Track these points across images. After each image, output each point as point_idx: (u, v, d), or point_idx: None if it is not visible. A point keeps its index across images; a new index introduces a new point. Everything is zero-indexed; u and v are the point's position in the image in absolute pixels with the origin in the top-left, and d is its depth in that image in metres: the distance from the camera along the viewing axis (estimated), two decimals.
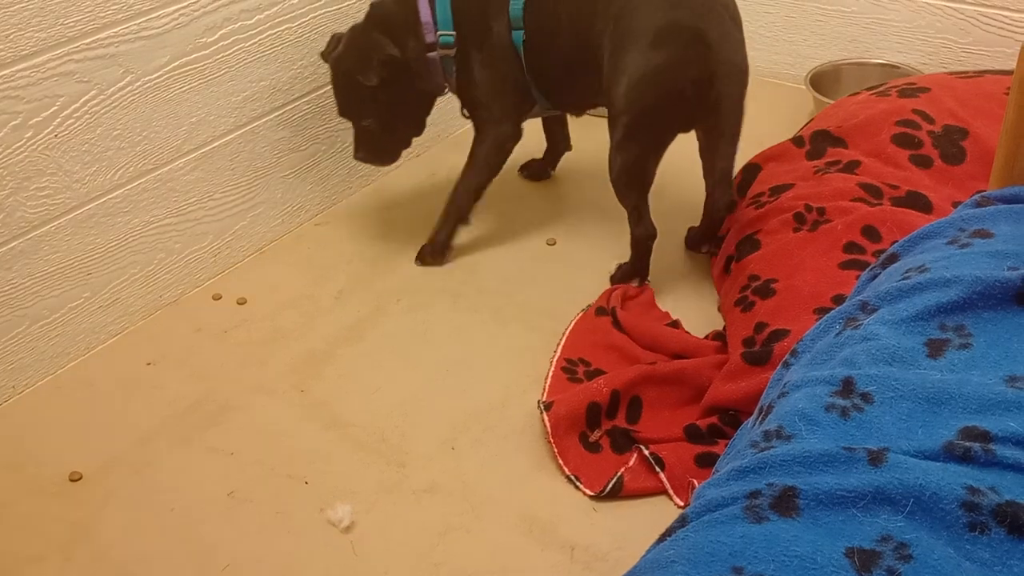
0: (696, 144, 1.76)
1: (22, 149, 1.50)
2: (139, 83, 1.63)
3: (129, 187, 1.68)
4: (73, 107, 1.55)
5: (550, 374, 1.58)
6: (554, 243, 1.92)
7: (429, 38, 1.68)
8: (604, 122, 2.36)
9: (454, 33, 1.67)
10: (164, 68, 1.66)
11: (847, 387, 0.83)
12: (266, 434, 1.53)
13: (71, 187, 1.59)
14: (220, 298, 1.83)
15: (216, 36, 1.72)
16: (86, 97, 1.56)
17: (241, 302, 1.82)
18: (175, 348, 1.71)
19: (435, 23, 1.67)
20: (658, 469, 1.39)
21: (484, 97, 1.74)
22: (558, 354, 1.62)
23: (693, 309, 1.71)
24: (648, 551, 0.79)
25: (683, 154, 2.21)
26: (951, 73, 1.92)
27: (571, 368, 1.59)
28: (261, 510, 1.40)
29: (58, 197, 1.58)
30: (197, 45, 1.69)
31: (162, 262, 1.78)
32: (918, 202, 1.60)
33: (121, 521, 1.40)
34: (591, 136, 2.27)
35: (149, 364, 1.68)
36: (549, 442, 1.45)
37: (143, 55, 1.62)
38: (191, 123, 1.74)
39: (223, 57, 1.75)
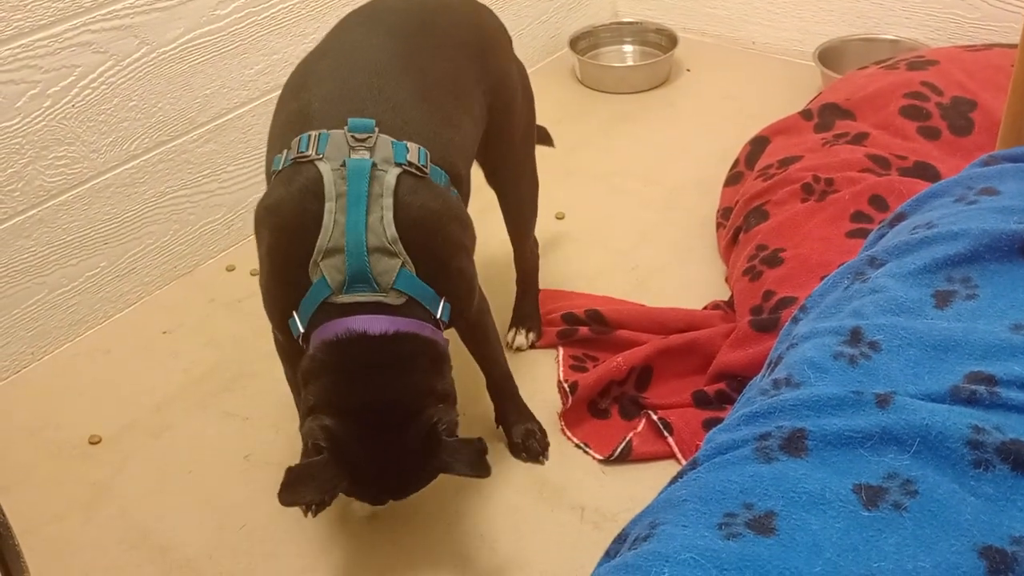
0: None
1: (40, 118, 1.52)
2: (154, 54, 1.65)
3: (144, 158, 1.70)
4: (90, 77, 1.57)
5: (560, 372, 1.57)
6: (563, 217, 1.94)
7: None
8: (605, 95, 2.37)
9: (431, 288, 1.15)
10: (179, 40, 1.67)
11: (855, 336, 0.85)
12: (281, 400, 1.55)
13: (88, 157, 1.61)
14: (233, 269, 1.86)
15: (229, 9, 1.73)
16: (103, 68, 1.58)
17: (254, 273, 1.83)
18: (190, 317, 1.74)
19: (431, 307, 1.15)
20: (666, 433, 1.41)
21: (472, 288, 1.26)
22: (561, 362, 1.59)
23: (698, 283, 1.72)
24: (660, 493, 0.82)
25: (674, 140, 2.22)
26: (960, 46, 1.92)
27: (579, 366, 1.56)
28: (277, 472, 1.39)
29: (76, 167, 1.60)
30: (211, 17, 1.71)
31: (177, 233, 1.80)
32: (926, 172, 1.62)
33: (140, 483, 1.43)
34: (595, 111, 2.28)
35: (165, 332, 1.71)
36: (558, 417, 1.47)
37: (158, 27, 1.63)
38: (205, 95, 1.76)
39: (237, 30, 1.76)
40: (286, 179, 1.13)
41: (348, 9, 1.93)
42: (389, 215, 1.10)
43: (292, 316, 1.15)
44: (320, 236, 1.09)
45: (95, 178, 1.64)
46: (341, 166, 1.10)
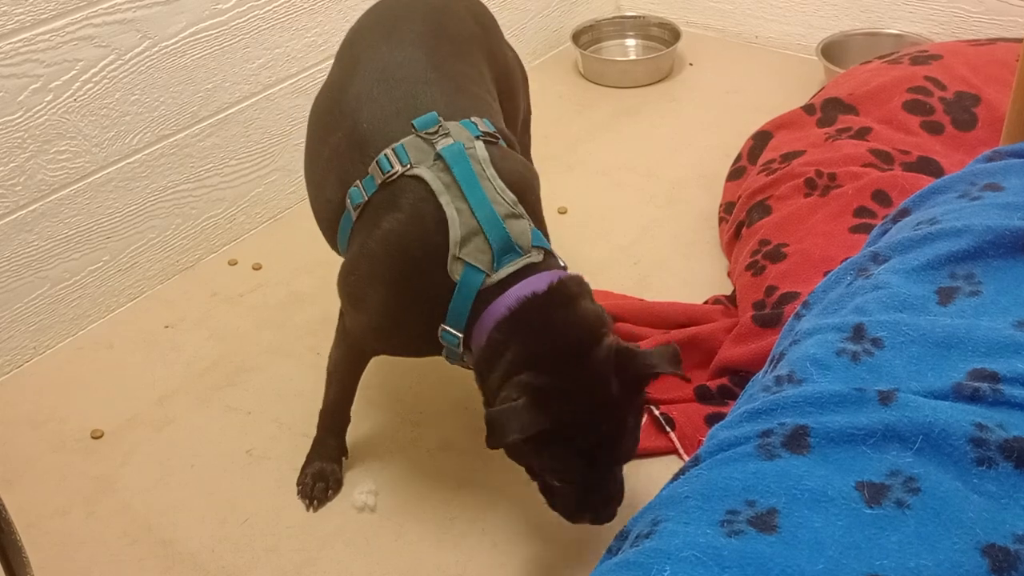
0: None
1: (43, 112, 1.52)
2: (156, 49, 1.64)
3: (146, 152, 1.70)
4: (92, 71, 1.57)
5: None
6: (565, 211, 1.93)
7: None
8: (607, 89, 2.36)
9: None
10: (181, 34, 1.67)
11: (858, 333, 0.85)
12: (283, 394, 1.55)
13: (90, 151, 1.61)
14: (236, 263, 1.86)
15: (231, 3, 1.73)
16: (105, 62, 1.58)
17: (256, 267, 1.84)
18: (192, 311, 1.74)
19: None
20: (668, 429, 1.41)
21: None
22: None
23: (700, 278, 1.72)
24: (662, 490, 0.81)
25: (676, 134, 2.22)
26: (964, 41, 1.92)
27: None
28: (279, 466, 1.42)
29: (78, 161, 1.60)
30: (213, 12, 1.71)
31: (179, 228, 1.80)
32: (929, 167, 1.61)
33: (143, 476, 1.43)
34: (597, 105, 2.28)
35: (167, 327, 1.71)
36: None
37: (160, 21, 1.63)
38: (207, 89, 1.75)
39: (238, 24, 1.76)
40: (386, 203, 1.14)
41: (348, 5, 1.94)
42: (500, 182, 1.14)
43: (443, 330, 1.14)
44: (451, 229, 1.09)
45: (97, 172, 1.64)
46: (436, 159, 1.12)
